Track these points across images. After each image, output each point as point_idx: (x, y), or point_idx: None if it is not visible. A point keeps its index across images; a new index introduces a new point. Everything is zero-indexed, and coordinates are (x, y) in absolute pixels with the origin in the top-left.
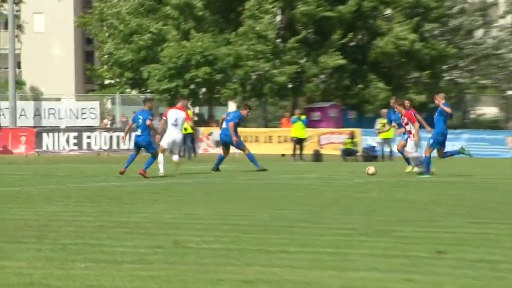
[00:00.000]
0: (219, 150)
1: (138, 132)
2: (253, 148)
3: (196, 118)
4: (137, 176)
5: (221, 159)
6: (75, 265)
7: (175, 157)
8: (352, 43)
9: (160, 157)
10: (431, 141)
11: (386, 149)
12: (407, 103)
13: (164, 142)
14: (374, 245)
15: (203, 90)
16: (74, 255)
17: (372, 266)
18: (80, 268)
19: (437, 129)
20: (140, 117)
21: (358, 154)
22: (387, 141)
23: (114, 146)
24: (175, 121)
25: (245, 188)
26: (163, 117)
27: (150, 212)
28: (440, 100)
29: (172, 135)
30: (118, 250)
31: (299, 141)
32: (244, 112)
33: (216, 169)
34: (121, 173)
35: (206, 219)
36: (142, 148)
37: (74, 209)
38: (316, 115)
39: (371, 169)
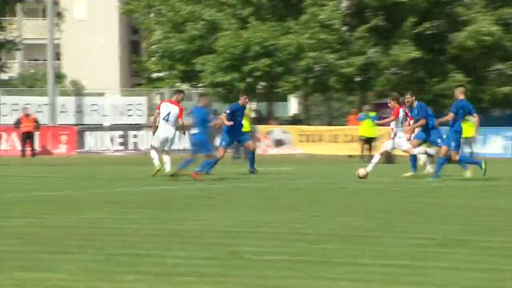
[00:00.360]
0: (279, 151)
1: (195, 130)
2: (317, 149)
3: (253, 115)
4: (187, 180)
5: (252, 157)
6: (122, 278)
7: (167, 158)
8: (428, 32)
9: (154, 154)
10: (452, 144)
11: (467, 150)
12: (409, 98)
13: (155, 141)
14: (454, 257)
15: (261, 84)
16: (121, 266)
17: (453, 280)
18: (127, 281)
19: (454, 128)
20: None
21: (436, 155)
22: (468, 140)
23: None
24: (167, 116)
25: (309, 193)
26: (156, 110)
27: (204, 219)
28: (459, 95)
29: (163, 131)
30: (169, 261)
31: (368, 141)
32: (241, 100)
33: (254, 170)
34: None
35: (266, 227)
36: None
37: (120, 216)
38: (387, 112)
39: (361, 171)
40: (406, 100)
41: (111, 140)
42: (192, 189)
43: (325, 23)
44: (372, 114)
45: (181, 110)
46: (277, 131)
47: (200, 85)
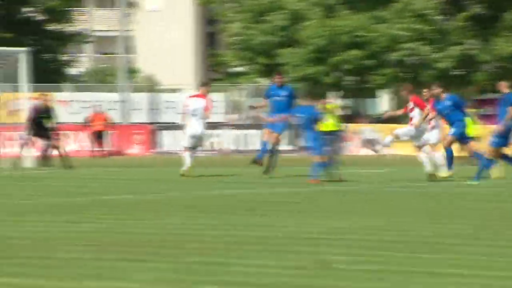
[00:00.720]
0: (370, 151)
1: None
2: (412, 149)
3: (342, 113)
4: (272, 182)
5: (265, 150)
6: None
7: (189, 156)
8: None
9: (187, 155)
10: (492, 138)
11: None
12: (437, 90)
13: (186, 139)
14: None
15: (350, 78)
16: (200, 275)
17: None
18: None
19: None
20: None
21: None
22: None
23: (244, 146)
24: (195, 111)
25: (401, 198)
26: (184, 107)
27: (287, 225)
28: (504, 88)
29: (192, 128)
30: (251, 270)
31: (468, 140)
32: (275, 80)
33: (260, 161)
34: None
35: (355, 234)
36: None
37: (198, 222)
38: (489, 109)
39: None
40: (433, 93)
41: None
42: (275, 193)
43: (419, 12)
44: (473, 111)
45: (208, 103)
46: (367, 130)
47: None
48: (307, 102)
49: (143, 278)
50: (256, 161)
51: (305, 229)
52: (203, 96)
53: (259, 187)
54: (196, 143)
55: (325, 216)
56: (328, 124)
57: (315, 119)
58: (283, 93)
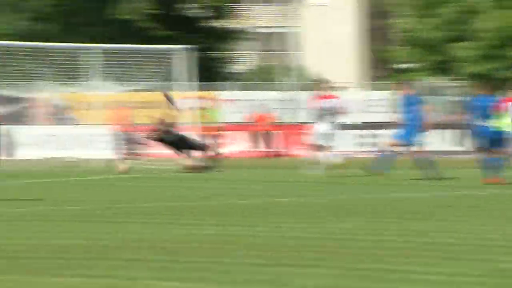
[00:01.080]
0: None
1: (483, 122)
2: None
3: None
4: (441, 185)
5: (385, 159)
6: None
7: (325, 155)
8: None
9: (320, 155)
10: None
11: None
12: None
13: (315, 138)
14: None
15: None
16: (364, 282)
17: None
18: None
19: None
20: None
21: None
22: None
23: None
24: (327, 111)
25: None
26: (314, 106)
27: (463, 231)
28: None
29: (323, 127)
30: (427, 278)
31: None
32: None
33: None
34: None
35: None
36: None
37: (369, 226)
38: None
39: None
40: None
41: (355, 140)
42: (447, 196)
43: None
44: None
45: (340, 103)
46: None
47: (455, 77)
48: (484, 91)
49: (303, 284)
50: (374, 172)
51: (481, 235)
52: (332, 96)
53: (427, 191)
54: (326, 142)
55: (497, 222)
56: (499, 123)
57: (489, 110)
58: (410, 104)
